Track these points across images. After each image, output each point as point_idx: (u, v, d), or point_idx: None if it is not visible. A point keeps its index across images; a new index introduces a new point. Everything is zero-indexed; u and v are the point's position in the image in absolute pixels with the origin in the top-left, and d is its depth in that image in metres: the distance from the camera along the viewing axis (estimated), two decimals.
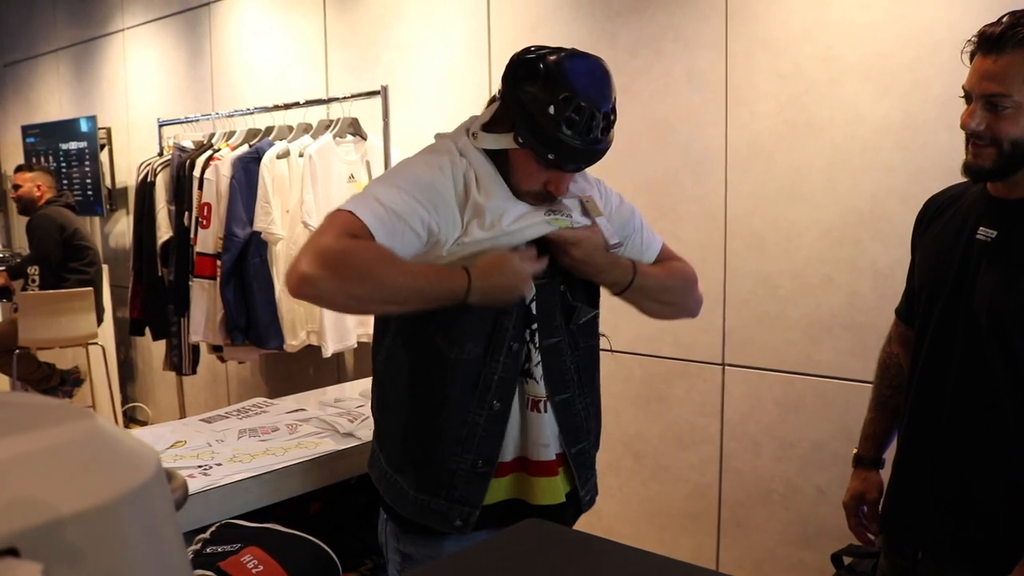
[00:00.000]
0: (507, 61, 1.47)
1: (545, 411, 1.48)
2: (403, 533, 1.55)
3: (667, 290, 1.64)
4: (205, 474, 1.73)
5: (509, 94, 1.42)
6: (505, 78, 1.44)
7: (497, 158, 1.47)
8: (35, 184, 4.82)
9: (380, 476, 1.56)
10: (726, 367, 2.77)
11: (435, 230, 1.39)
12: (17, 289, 4.97)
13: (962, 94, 1.41)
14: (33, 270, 4.82)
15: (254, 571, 1.50)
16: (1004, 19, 1.34)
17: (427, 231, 1.39)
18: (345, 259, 1.29)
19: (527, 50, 1.44)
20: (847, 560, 2.08)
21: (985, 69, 1.34)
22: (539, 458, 1.48)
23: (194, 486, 1.63)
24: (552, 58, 1.39)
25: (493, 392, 1.45)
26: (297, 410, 2.18)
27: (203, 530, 1.61)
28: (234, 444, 1.92)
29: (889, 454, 1.68)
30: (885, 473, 1.69)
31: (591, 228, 1.51)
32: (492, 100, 1.50)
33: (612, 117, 1.42)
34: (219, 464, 1.79)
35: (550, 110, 1.35)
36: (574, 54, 1.41)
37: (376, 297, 1.35)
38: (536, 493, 1.50)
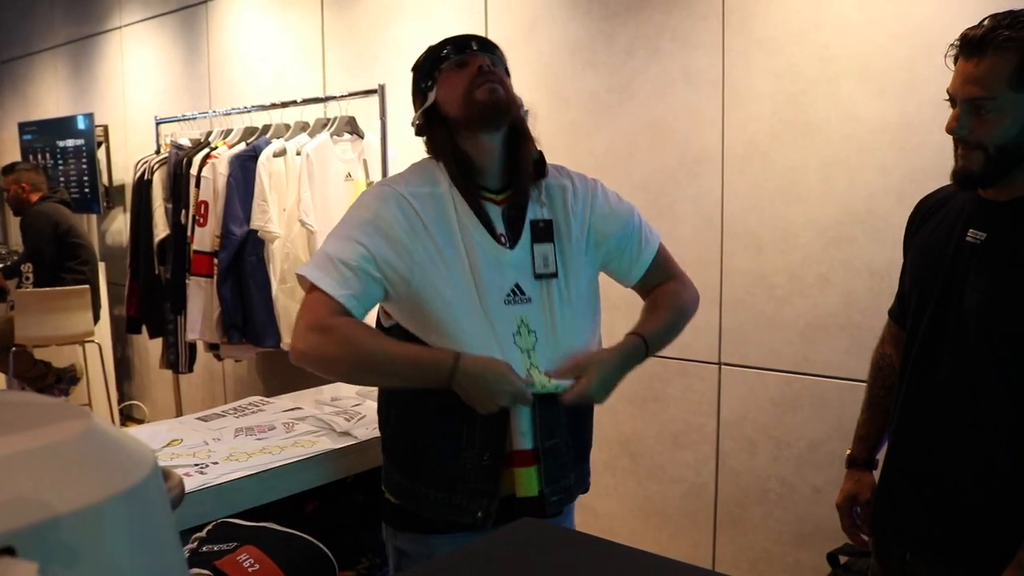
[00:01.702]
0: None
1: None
2: (397, 531, 1.57)
3: (674, 328, 1.68)
4: (201, 473, 1.73)
5: (413, 91, 1.61)
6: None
7: (442, 140, 1.55)
8: (18, 185, 4.76)
9: (399, 490, 1.57)
10: (722, 366, 2.77)
11: (392, 260, 1.45)
12: (12, 288, 4.95)
13: (947, 98, 1.41)
14: (26, 267, 4.79)
15: (250, 570, 1.49)
16: (985, 22, 1.33)
17: (385, 267, 1.45)
18: (319, 355, 1.44)
19: None
20: (843, 559, 2.09)
21: (967, 73, 1.34)
22: (518, 447, 1.49)
23: (190, 485, 1.63)
24: None
25: None
26: (294, 409, 2.18)
27: (199, 529, 1.61)
28: (230, 443, 1.92)
29: (882, 455, 1.68)
30: (878, 474, 1.69)
31: (584, 375, 1.50)
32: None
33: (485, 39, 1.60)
34: (215, 463, 1.78)
35: (426, 49, 1.57)
36: None
37: (360, 379, 1.61)
38: (517, 484, 1.50)
